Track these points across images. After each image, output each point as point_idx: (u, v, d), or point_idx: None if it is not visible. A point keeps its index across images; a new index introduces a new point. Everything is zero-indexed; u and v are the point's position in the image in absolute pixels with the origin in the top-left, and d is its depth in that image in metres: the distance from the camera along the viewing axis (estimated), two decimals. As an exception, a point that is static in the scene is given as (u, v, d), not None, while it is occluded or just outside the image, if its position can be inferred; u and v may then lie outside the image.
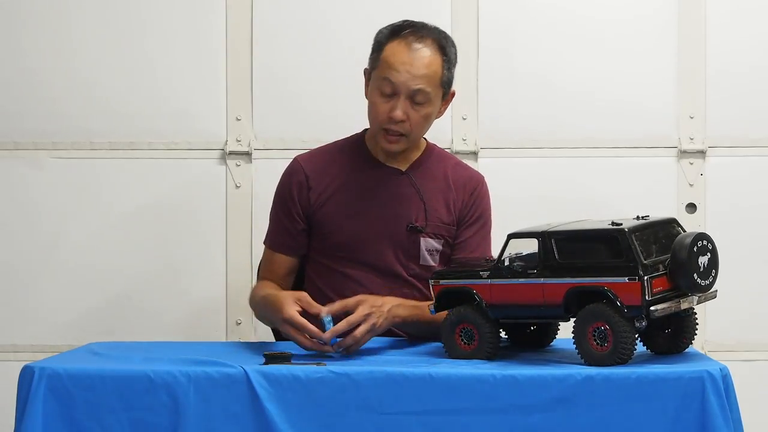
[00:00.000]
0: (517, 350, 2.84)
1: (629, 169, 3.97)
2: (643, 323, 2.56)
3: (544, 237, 2.64)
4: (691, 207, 3.97)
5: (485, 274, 2.71)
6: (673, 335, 2.72)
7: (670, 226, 2.70)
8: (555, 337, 2.90)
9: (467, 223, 3.21)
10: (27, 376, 2.59)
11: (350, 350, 2.81)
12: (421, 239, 3.16)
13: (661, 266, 2.58)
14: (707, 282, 2.62)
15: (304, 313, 2.85)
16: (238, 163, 3.98)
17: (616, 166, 3.97)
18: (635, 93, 3.97)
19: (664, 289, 2.58)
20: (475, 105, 3.97)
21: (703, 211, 3.97)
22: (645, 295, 2.53)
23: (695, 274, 2.58)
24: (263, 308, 3.08)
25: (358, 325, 2.81)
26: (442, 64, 3.08)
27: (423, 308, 2.99)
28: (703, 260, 2.60)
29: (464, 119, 3.97)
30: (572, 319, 2.63)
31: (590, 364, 2.58)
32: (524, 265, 2.67)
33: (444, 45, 3.09)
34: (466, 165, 3.33)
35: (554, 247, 2.63)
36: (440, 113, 3.16)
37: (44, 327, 4.00)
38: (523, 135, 3.98)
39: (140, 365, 2.65)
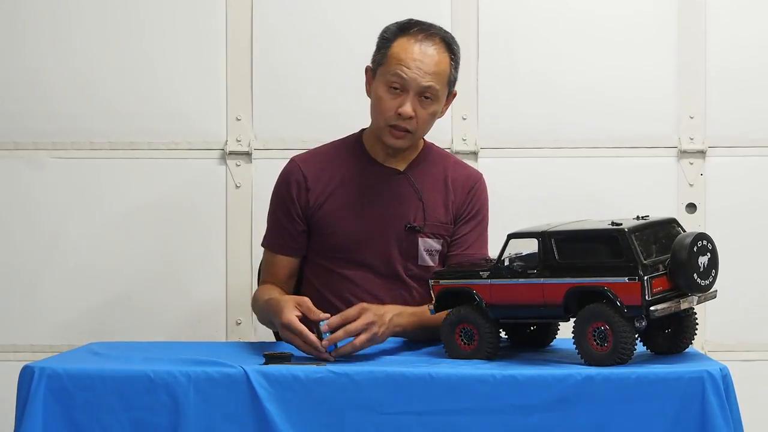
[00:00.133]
0: (517, 350, 2.84)
1: (629, 169, 3.97)
2: (643, 323, 2.56)
3: (544, 237, 2.64)
4: (691, 207, 3.97)
5: (485, 274, 2.71)
6: (673, 335, 2.72)
7: (670, 226, 2.70)
8: (555, 337, 2.90)
9: (464, 220, 3.20)
10: (27, 376, 2.59)
11: (347, 356, 2.80)
12: (420, 239, 3.16)
13: (661, 266, 2.58)
14: (707, 282, 2.61)
15: (305, 317, 2.83)
16: (238, 163, 3.98)
17: (616, 166, 3.98)
18: (635, 93, 3.97)
19: (664, 289, 2.58)
20: (475, 105, 3.97)
21: (703, 211, 3.97)
22: (645, 295, 2.53)
23: (695, 274, 2.58)
24: (266, 312, 3.05)
25: (359, 333, 2.79)
26: (450, 63, 3.09)
27: (421, 314, 2.98)
28: (703, 260, 2.60)
29: (464, 119, 3.97)
30: (572, 319, 2.63)
31: (590, 364, 2.58)
32: (524, 265, 2.67)
33: (451, 44, 3.10)
34: (465, 163, 3.32)
35: (554, 247, 2.63)
36: (441, 113, 3.16)
37: (44, 327, 4.00)
38: (523, 135, 3.98)
39: (140, 365, 2.65)
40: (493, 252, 3.16)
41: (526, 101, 3.98)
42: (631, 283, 2.54)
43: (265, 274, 3.26)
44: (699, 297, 2.62)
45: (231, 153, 3.97)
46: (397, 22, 3.12)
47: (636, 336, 2.58)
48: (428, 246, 3.16)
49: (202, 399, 2.56)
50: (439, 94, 3.07)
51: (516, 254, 2.70)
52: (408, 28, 3.09)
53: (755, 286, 3.96)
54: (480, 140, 3.97)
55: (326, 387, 2.56)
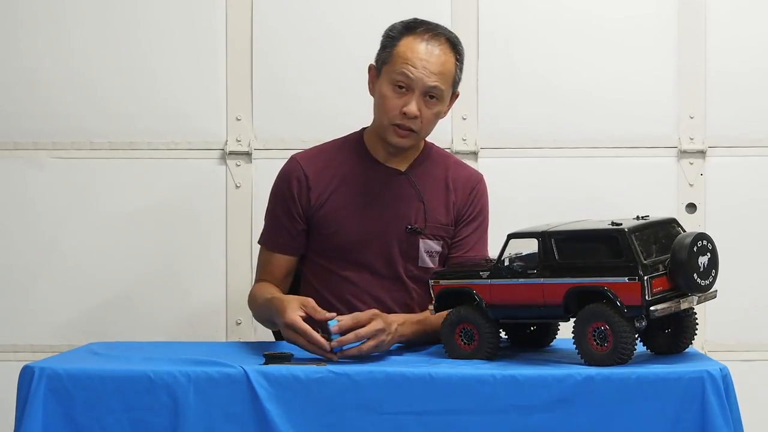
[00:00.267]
0: (517, 350, 2.84)
1: (629, 169, 3.97)
2: (643, 323, 2.56)
3: (544, 237, 2.64)
4: (691, 207, 3.97)
5: (485, 274, 2.71)
6: (673, 335, 2.72)
7: (670, 226, 2.70)
8: (555, 337, 2.90)
9: (465, 221, 3.20)
10: (27, 376, 2.59)
11: (351, 358, 2.79)
12: (420, 241, 3.15)
13: (661, 266, 2.58)
14: (707, 282, 2.61)
15: (309, 318, 2.83)
16: (238, 163, 3.98)
17: (616, 166, 3.97)
18: (635, 93, 3.97)
19: (664, 289, 2.58)
20: (475, 105, 3.97)
21: (703, 211, 3.97)
22: (645, 295, 2.53)
23: (695, 274, 2.58)
24: (266, 311, 3.04)
25: (367, 338, 2.77)
26: (455, 63, 3.08)
27: (424, 321, 2.98)
28: (703, 260, 2.60)
29: (464, 119, 3.97)
30: (572, 319, 2.63)
31: (590, 364, 2.58)
32: (524, 265, 2.67)
33: (457, 44, 3.09)
34: (465, 164, 3.31)
35: (554, 247, 2.63)
36: (444, 114, 3.16)
37: (44, 327, 4.00)
38: (523, 135, 3.98)
39: (140, 365, 2.65)
40: (493, 252, 3.16)
41: (526, 101, 3.98)
42: (631, 283, 2.54)
43: (261, 272, 3.23)
44: (699, 297, 2.62)
45: (231, 153, 3.97)
46: (402, 21, 3.12)
47: (636, 336, 2.58)
48: (429, 247, 3.16)
49: (202, 399, 2.56)
50: (444, 94, 3.07)
51: (516, 254, 2.70)
52: (414, 27, 3.08)
53: (755, 286, 3.96)
54: (480, 140, 3.97)
55: (326, 387, 2.56)
